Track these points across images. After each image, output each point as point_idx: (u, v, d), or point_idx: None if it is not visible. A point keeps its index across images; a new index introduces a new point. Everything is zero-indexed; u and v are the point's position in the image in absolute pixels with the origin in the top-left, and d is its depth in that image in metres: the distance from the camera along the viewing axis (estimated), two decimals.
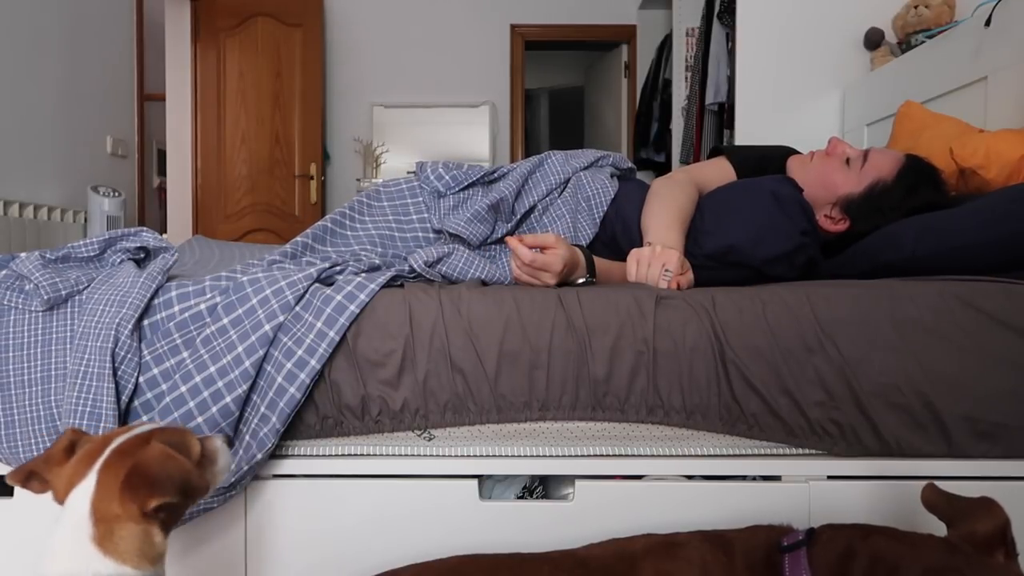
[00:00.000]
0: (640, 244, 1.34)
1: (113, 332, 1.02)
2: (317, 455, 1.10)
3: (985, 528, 0.72)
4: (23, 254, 1.13)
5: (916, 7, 2.27)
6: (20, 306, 1.07)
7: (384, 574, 0.92)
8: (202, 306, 1.07)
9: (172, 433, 0.82)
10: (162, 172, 4.76)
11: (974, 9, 1.93)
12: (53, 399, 1.04)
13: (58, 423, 1.03)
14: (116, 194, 3.48)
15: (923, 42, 2.20)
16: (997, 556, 0.72)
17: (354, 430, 1.09)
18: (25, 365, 1.05)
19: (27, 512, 1.08)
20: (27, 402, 1.04)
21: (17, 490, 1.09)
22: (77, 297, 1.08)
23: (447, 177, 1.49)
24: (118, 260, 1.19)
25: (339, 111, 5.19)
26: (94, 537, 0.74)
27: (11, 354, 1.05)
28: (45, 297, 1.05)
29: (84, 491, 0.76)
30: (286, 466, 1.09)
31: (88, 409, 0.99)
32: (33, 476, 0.81)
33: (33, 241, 3.04)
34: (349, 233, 1.45)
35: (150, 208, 4.45)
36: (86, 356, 1.01)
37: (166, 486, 0.76)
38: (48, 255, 1.15)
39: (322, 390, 1.07)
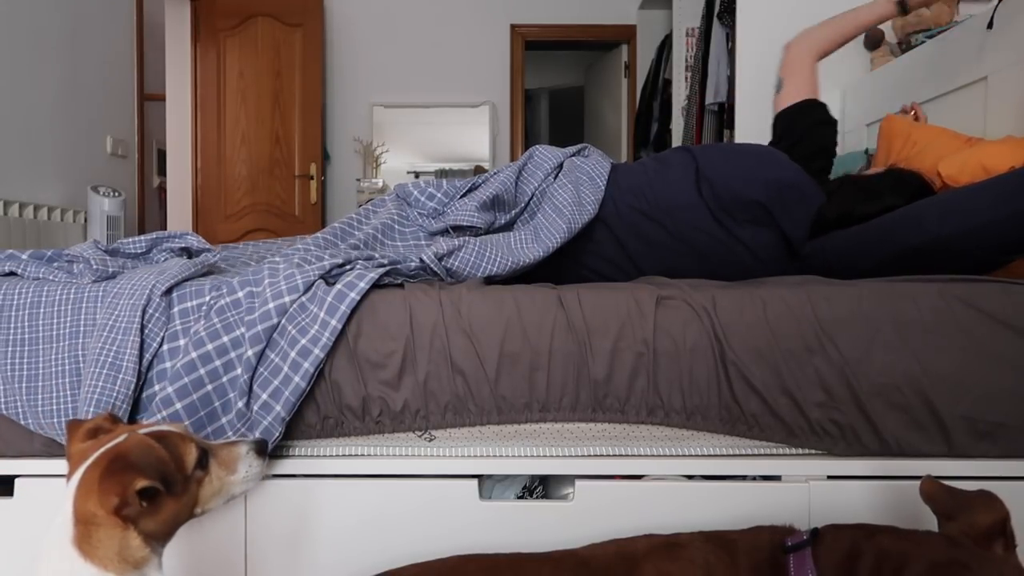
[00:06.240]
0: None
1: (148, 291, 1.06)
2: (317, 455, 1.10)
3: (985, 521, 0.73)
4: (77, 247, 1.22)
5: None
6: (63, 280, 1.12)
7: (384, 574, 0.93)
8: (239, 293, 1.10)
9: (167, 437, 0.80)
10: (162, 172, 4.75)
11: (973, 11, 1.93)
12: (80, 354, 1.06)
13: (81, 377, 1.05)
14: (116, 194, 3.48)
15: (923, 42, 2.20)
16: (995, 548, 0.72)
17: (355, 430, 1.09)
18: (55, 321, 1.07)
19: (27, 512, 1.08)
20: (53, 356, 1.06)
21: (17, 490, 1.09)
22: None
23: (439, 195, 1.48)
24: (163, 259, 1.25)
25: (339, 111, 5.18)
26: (74, 539, 0.73)
27: (42, 310, 1.08)
28: (95, 266, 1.11)
29: (70, 489, 0.75)
30: (286, 466, 1.09)
31: (110, 360, 1.01)
32: (71, 434, 0.81)
33: (33, 241, 3.04)
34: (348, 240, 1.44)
35: (150, 208, 4.45)
36: (116, 311, 1.05)
37: (148, 471, 0.74)
38: (99, 246, 1.23)
39: (323, 390, 1.07)
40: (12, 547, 1.08)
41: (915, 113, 1.90)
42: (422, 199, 1.48)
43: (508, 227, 1.51)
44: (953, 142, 1.64)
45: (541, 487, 1.17)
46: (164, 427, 0.83)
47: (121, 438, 0.78)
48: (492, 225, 1.47)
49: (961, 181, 1.44)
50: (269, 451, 1.03)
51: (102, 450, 0.77)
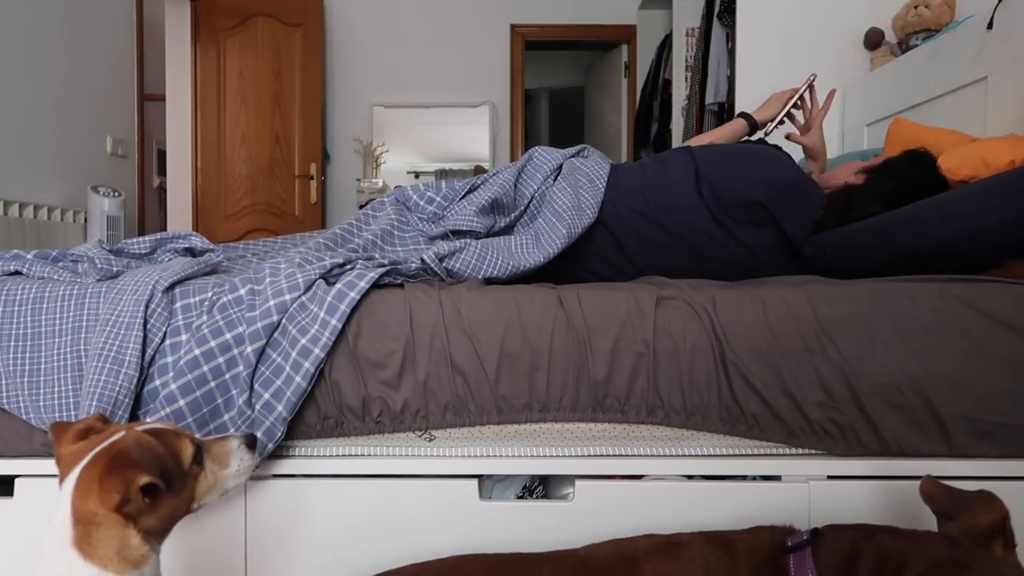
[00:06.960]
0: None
1: (151, 287, 1.06)
2: (317, 455, 1.10)
3: (985, 520, 0.73)
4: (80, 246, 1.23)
5: (916, 7, 2.27)
6: (67, 279, 1.13)
7: (384, 574, 0.93)
8: (241, 291, 1.10)
9: (163, 434, 0.80)
10: (162, 172, 4.74)
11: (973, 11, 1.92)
12: (83, 349, 1.06)
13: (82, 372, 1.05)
14: (116, 194, 3.48)
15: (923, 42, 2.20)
16: (995, 548, 0.73)
17: (355, 430, 1.09)
18: (57, 316, 1.08)
19: (27, 512, 1.08)
20: (56, 351, 1.06)
21: (17, 490, 1.09)
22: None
23: (438, 198, 1.48)
24: (167, 259, 1.26)
25: (339, 111, 5.18)
26: (74, 539, 0.73)
27: (44, 306, 1.08)
28: (99, 266, 1.12)
29: (67, 489, 0.75)
30: (286, 466, 1.09)
31: (112, 354, 1.02)
32: (58, 436, 0.81)
33: (33, 241, 3.04)
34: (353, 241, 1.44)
35: (150, 208, 4.44)
36: (119, 307, 1.05)
37: (149, 467, 0.74)
38: (104, 246, 1.24)
39: (323, 390, 1.07)
40: (12, 547, 1.08)
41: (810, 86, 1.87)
42: (421, 203, 1.48)
43: (508, 230, 1.51)
44: (960, 143, 1.64)
45: (541, 487, 1.17)
46: (158, 424, 0.83)
47: (117, 436, 0.78)
48: (492, 228, 1.47)
49: (961, 174, 1.44)
50: (271, 451, 1.04)
51: (98, 449, 0.76)
